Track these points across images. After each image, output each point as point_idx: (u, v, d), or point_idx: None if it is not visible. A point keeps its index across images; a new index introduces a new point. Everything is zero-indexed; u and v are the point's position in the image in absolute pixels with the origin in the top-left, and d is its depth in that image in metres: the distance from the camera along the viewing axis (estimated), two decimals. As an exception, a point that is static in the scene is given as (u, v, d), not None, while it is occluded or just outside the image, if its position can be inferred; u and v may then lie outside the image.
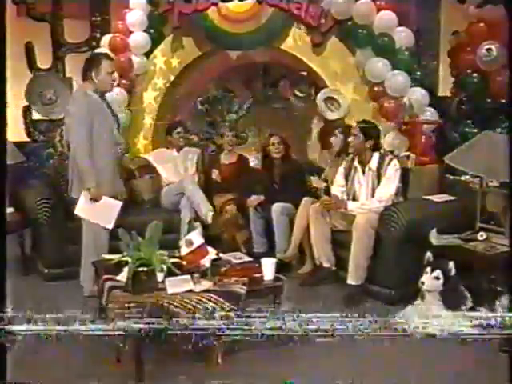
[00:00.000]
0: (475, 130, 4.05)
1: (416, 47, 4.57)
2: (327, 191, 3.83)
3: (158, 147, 4.94)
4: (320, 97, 4.72)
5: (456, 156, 3.38)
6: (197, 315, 2.31)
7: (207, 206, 4.17)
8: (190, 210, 4.17)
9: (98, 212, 3.43)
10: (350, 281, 3.47)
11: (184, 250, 2.81)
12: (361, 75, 4.57)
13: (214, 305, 2.47)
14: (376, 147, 3.74)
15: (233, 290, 2.61)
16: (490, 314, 2.25)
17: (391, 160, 3.65)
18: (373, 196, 3.64)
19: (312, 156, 4.63)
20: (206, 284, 2.62)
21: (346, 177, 3.81)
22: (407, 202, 3.72)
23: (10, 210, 3.89)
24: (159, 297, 2.47)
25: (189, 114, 5.62)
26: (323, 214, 3.73)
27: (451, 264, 2.94)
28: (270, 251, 4.07)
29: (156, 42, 5.01)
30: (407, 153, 4.13)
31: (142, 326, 2.20)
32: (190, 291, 2.54)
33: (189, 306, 2.43)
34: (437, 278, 2.93)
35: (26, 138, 5.69)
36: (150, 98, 5.14)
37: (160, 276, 2.58)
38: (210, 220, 4.10)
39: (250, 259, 3.13)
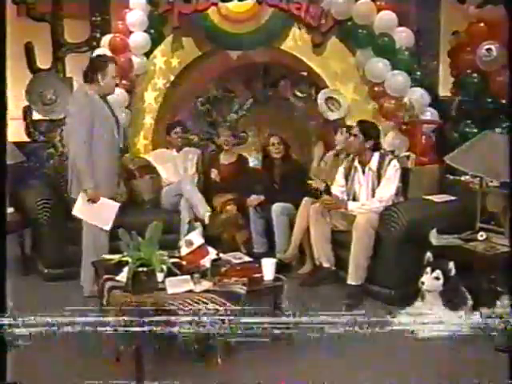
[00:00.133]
0: (475, 130, 4.05)
1: (416, 47, 4.56)
2: (327, 191, 3.83)
3: (158, 147, 4.95)
4: (320, 97, 4.71)
5: (456, 156, 3.37)
6: (197, 315, 2.31)
7: (205, 206, 4.17)
8: (189, 211, 4.17)
9: (95, 213, 3.43)
10: (350, 281, 3.47)
11: (184, 251, 2.82)
12: (361, 75, 4.57)
13: (214, 305, 2.47)
14: (376, 147, 3.74)
15: (233, 290, 2.61)
16: (490, 314, 2.25)
17: (391, 160, 3.65)
18: (373, 196, 3.64)
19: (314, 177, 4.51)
20: (206, 284, 2.62)
21: (346, 177, 3.81)
22: (407, 202, 3.71)
23: (10, 210, 3.89)
24: (159, 297, 2.48)
25: (189, 114, 5.63)
26: (323, 214, 3.73)
27: (451, 264, 2.94)
28: (270, 251, 4.07)
29: (156, 42, 5.01)
30: (407, 153, 4.13)
31: (141, 325, 2.20)
32: (190, 291, 2.54)
33: (189, 307, 2.43)
34: (437, 278, 2.93)
35: (26, 138, 5.69)
36: (150, 98, 5.13)
37: (160, 276, 2.58)
38: (207, 220, 4.10)
39: (250, 259, 3.14)
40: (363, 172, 3.72)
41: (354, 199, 3.74)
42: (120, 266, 2.64)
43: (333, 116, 4.69)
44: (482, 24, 4.07)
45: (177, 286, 2.56)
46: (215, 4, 4.69)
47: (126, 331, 2.18)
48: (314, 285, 3.71)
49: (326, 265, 3.73)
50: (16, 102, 5.32)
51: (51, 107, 5.39)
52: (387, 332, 2.24)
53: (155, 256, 2.52)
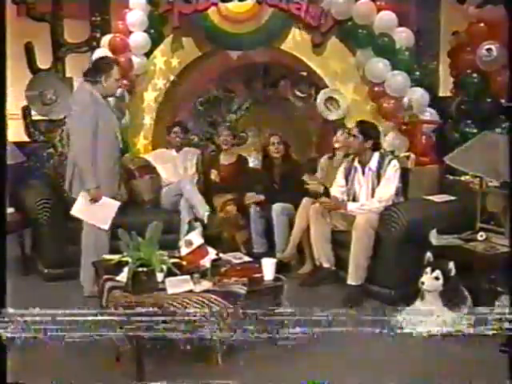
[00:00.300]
0: (475, 130, 4.05)
1: (416, 47, 4.56)
2: (327, 194, 3.82)
3: (158, 147, 4.95)
4: (320, 97, 4.72)
5: (456, 156, 3.38)
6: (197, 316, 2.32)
7: (204, 206, 4.17)
8: (188, 211, 4.17)
9: (95, 213, 3.43)
10: (350, 281, 3.47)
11: (184, 251, 2.81)
12: (361, 75, 4.56)
13: (214, 305, 2.47)
14: (376, 147, 3.74)
15: (233, 290, 2.61)
16: (490, 314, 2.25)
17: (391, 160, 3.65)
18: (373, 196, 3.64)
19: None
20: (205, 284, 2.62)
21: (346, 177, 3.81)
22: (407, 202, 3.71)
23: (10, 210, 3.90)
24: (159, 297, 2.48)
25: (189, 114, 5.63)
26: (323, 214, 3.73)
27: (451, 264, 2.94)
28: (270, 251, 4.07)
29: (156, 42, 5.01)
30: (407, 153, 4.13)
31: (142, 323, 2.20)
32: (190, 291, 2.54)
33: (189, 307, 2.43)
34: (437, 278, 2.93)
35: (26, 138, 5.69)
36: (150, 98, 5.14)
37: (160, 276, 2.58)
38: (206, 220, 4.10)
39: (250, 259, 3.13)
40: (363, 172, 3.72)
41: (354, 199, 3.73)
42: (120, 266, 2.64)
43: (332, 116, 4.69)
44: (481, 24, 4.07)
45: (177, 286, 2.55)
46: (215, 4, 4.69)
47: (126, 331, 2.19)
48: (313, 285, 3.72)
49: (326, 265, 3.73)
50: (16, 102, 5.31)
51: (51, 107, 5.38)
52: (387, 332, 2.24)
53: (155, 256, 2.52)
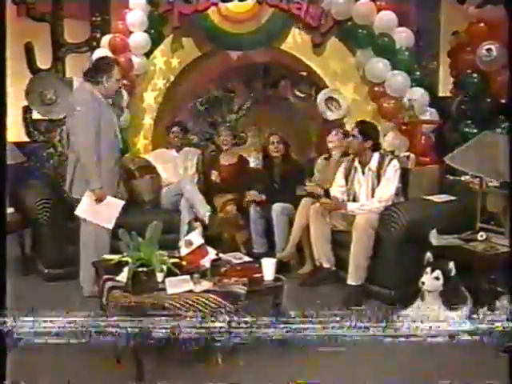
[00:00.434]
0: (475, 130, 4.05)
1: (416, 47, 4.57)
2: (327, 195, 3.82)
3: (158, 147, 4.95)
4: (320, 97, 4.72)
5: (456, 156, 3.37)
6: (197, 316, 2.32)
7: (205, 206, 4.16)
8: (189, 211, 4.17)
9: (99, 212, 3.43)
10: (350, 281, 3.47)
11: (184, 251, 2.81)
12: (361, 75, 4.57)
13: (214, 305, 2.47)
14: (376, 147, 3.73)
15: (233, 290, 2.61)
16: (490, 314, 2.25)
17: (391, 160, 3.65)
18: (373, 196, 3.64)
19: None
20: (205, 284, 2.62)
21: (346, 177, 3.81)
22: (407, 202, 3.71)
23: (10, 210, 3.89)
24: (159, 297, 2.48)
25: (189, 114, 5.63)
26: (323, 214, 3.73)
27: (451, 264, 2.94)
28: (270, 251, 4.07)
29: (156, 42, 5.00)
30: (407, 153, 4.12)
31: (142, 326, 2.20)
32: (190, 291, 2.54)
33: (188, 307, 2.43)
34: (437, 279, 2.93)
35: (26, 138, 5.69)
36: (150, 98, 5.14)
37: (160, 276, 2.59)
38: (207, 220, 4.10)
39: (250, 259, 3.13)
40: (363, 172, 3.72)
41: (354, 199, 3.73)
42: (120, 266, 2.64)
43: (332, 116, 4.69)
44: (482, 24, 4.07)
45: (177, 286, 2.56)
46: (215, 4, 4.70)
47: (126, 331, 2.19)
48: (314, 285, 3.71)
49: (326, 265, 3.73)
50: (16, 102, 5.31)
51: (51, 107, 5.37)
52: (387, 332, 2.24)
53: (155, 256, 2.52)
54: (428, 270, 2.96)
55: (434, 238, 3.22)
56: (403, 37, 4.39)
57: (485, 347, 2.48)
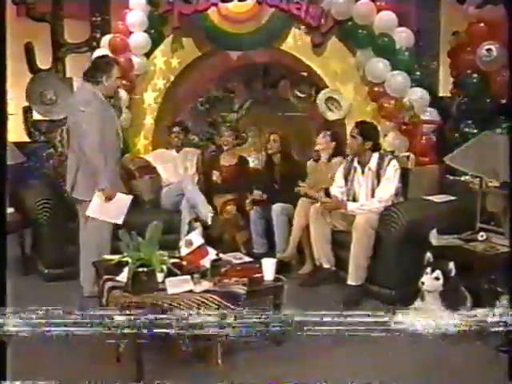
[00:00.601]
0: (475, 130, 4.04)
1: (416, 47, 4.56)
2: (327, 193, 3.82)
3: (158, 147, 4.95)
4: (321, 97, 4.72)
5: (456, 156, 3.37)
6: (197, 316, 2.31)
7: (207, 207, 4.16)
8: (189, 211, 4.16)
9: (109, 210, 3.43)
10: (350, 281, 3.47)
11: (184, 251, 2.81)
12: (361, 75, 4.56)
13: (214, 305, 2.47)
14: (375, 148, 3.73)
15: (233, 290, 2.61)
16: (490, 315, 2.25)
17: (391, 160, 3.65)
18: (373, 196, 3.64)
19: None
20: (206, 284, 2.62)
21: (346, 177, 3.81)
22: (407, 202, 3.71)
23: (10, 210, 3.89)
24: (159, 297, 2.48)
25: (189, 114, 5.63)
26: (323, 214, 3.73)
27: (451, 264, 2.94)
28: (270, 252, 4.08)
29: (156, 42, 5.01)
30: (407, 153, 4.13)
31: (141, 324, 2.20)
32: (190, 291, 2.54)
33: (189, 307, 2.43)
34: (437, 279, 2.93)
35: (26, 138, 5.69)
36: (150, 98, 5.14)
37: (160, 276, 2.59)
38: (209, 221, 4.10)
39: (250, 260, 3.14)
40: (363, 172, 3.72)
41: (354, 200, 3.73)
42: (120, 266, 2.64)
43: (333, 116, 4.69)
44: (482, 24, 4.06)
45: (177, 286, 2.56)
46: (215, 4, 4.69)
47: (126, 331, 2.18)
48: (314, 285, 3.72)
49: (326, 265, 3.73)
50: (16, 102, 5.31)
51: (51, 107, 5.39)
52: (387, 332, 2.24)
53: (155, 256, 2.52)
54: (428, 270, 2.96)
55: (434, 238, 3.22)
56: (403, 37, 4.39)
57: (485, 347, 2.49)
